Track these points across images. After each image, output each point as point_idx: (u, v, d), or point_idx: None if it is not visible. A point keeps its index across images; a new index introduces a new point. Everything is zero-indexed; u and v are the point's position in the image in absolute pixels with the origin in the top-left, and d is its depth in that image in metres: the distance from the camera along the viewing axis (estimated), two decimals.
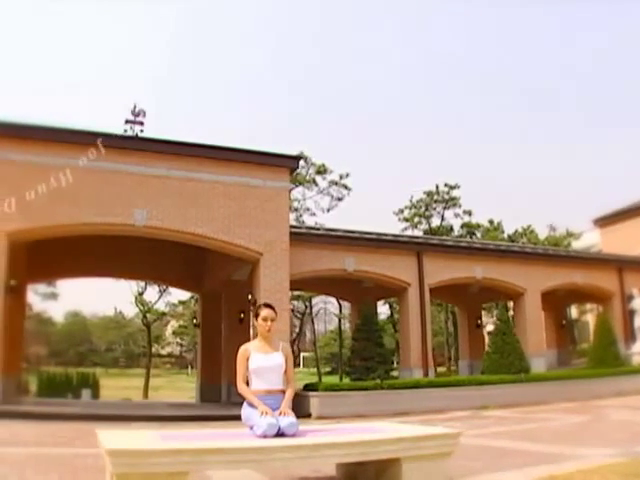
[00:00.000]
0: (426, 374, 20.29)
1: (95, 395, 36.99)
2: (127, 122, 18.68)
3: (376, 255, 21.30)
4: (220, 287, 23.87)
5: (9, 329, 19.82)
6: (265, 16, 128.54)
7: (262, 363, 5.94)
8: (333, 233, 22.54)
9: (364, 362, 18.82)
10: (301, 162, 34.12)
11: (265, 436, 5.47)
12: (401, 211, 41.07)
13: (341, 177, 35.23)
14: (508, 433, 11.22)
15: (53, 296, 52.50)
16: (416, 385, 17.98)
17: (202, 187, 17.42)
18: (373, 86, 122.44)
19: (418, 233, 40.04)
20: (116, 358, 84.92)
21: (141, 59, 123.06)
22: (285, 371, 6.10)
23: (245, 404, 5.94)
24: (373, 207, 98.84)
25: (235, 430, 6.20)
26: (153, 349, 76.89)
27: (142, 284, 45.59)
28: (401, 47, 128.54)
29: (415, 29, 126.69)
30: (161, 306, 51.18)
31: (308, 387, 17.85)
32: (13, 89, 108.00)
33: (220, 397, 22.27)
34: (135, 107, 18.99)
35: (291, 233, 19.02)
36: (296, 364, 70.02)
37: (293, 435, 5.55)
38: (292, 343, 56.85)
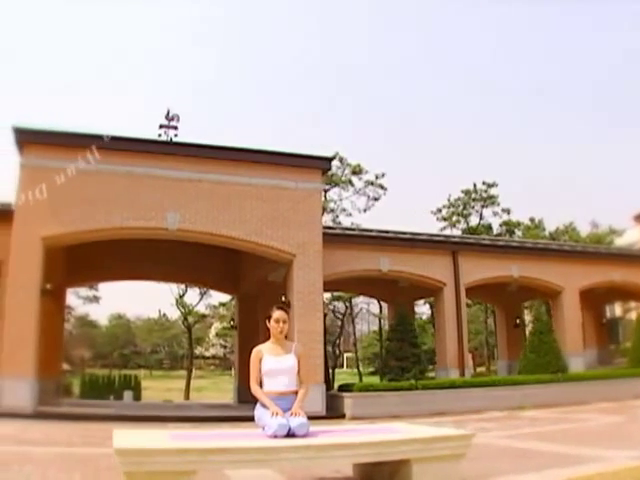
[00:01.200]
0: (462, 374, 20.11)
1: (137, 397, 37.51)
2: (161, 127, 18.91)
3: (411, 255, 21.18)
4: (256, 289, 23.97)
5: (48, 332, 20.23)
6: (298, 15, 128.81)
7: (274, 365, 5.98)
8: (368, 233, 22.53)
9: (399, 362, 18.75)
10: (336, 163, 34.16)
11: (275, 436, 5.50)
12: (439, 210, 40.91)
13: (377, 177, 35.09)
14: (538, 434, 11.08)
15: (95, 299, 53.10)
16: (451, 385, 17.87)
17: (234, 190, 17.54)
18: (406, 85, 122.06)
19: (457, 232, 39.77)
20: (160, 360, 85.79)
21: (171, 61, 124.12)
22: (298, 372, 6.11)
23: (258, 405, 5.99)
24: (410, 207, 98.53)
25: (248, 430, 6.23)
26: (197, 351, 77.69)
27: (183, 287, 46.03)
28: (437, 45, 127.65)
29: (451, 26, 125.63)
30: (202, 308, 51.61)
31: (342, 388, 17.85)
32: (45, 93, 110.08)
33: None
34: (169, 112, 19.21)
35: (325, 234, 19.04)
36: (339, 365, 70.25)
37: (304, 436, 5.56)
38: (333, 344, 56.92)
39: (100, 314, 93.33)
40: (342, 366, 72.98)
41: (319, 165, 18.80)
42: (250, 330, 24.60)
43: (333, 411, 16.87)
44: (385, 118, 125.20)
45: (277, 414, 5.66)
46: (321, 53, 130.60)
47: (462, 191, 40.21)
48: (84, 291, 51.23)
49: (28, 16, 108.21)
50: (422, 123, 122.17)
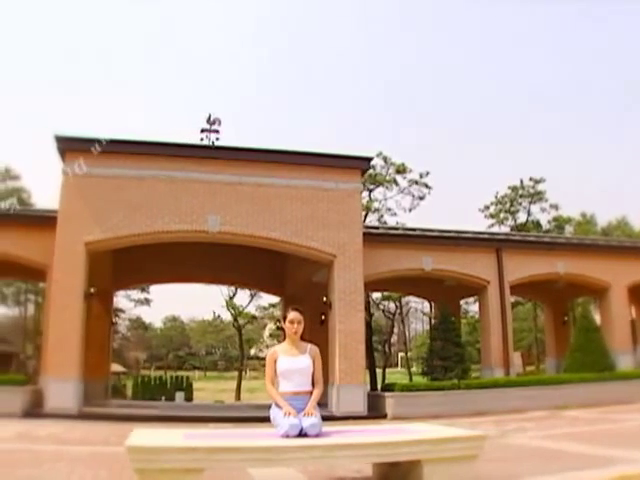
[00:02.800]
0: (507, 373, 19.83)
1: (188, 397, 37.99)
2: (203, 131, 19.14)
3: (454, 253, 20.98)
4: (302, 290, 24.04)
5: (96, 335, 20.71)
6: (356, 17, 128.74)
7: (289, 365, 6.04)
8: (410, 232, 22.45)
9: (442, 362, 18.63)
10: (380, 162, 34.10)
11: (287, 436, 5.57)
12: (487, 207, 40.49)
13: (421, 176, 34.80)
14: (575, 434, 10.89)
15: (146, 302, 53.96)
16: (494, 385, 17.69)
17: (274, 192, 17.67)
18: (453, 83, 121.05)
19: (505, 229, 39.34)
20: (215, 361, 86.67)
21: (214, 64, 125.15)
22: (313, 373, 6.17)
23: (273, 405, 6.06)
24: (458, 206, 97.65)
25: (264, 430, 6.31)
26: (252, 351, 78.24)
27: (233, 288, 46.47)
28: (480, 42, 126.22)
29: (500, 24, 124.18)
30: (252, 309, 51.99)
31: (384, 388, 17.83)
32: (90, 94, 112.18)
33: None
34: (210, 116, 19.43)
35: (367, 234, 19.05)
36: (393, 364, 70.01)
37: (316, 436, 5.61)
38: (384, 343, 56.75)
39: (155, 317, 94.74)
40: (397, 365, 72.82)
41: (358, 165, 18.79)
42: None
43: (375, 411, 16.86)
44: (430, 117, 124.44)
45: (289, 414, 5.72)
46: (364, 52, 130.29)
47: (509, 187, 39.78)
48: (135, 294, 52.08)
49: (94, 16, 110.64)
50: (467, 121, 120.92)
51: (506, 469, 6.91)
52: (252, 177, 17.62)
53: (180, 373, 56.45)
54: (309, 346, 6.29)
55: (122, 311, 56.46)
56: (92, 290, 16.99)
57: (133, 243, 17.51)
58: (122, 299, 52.94)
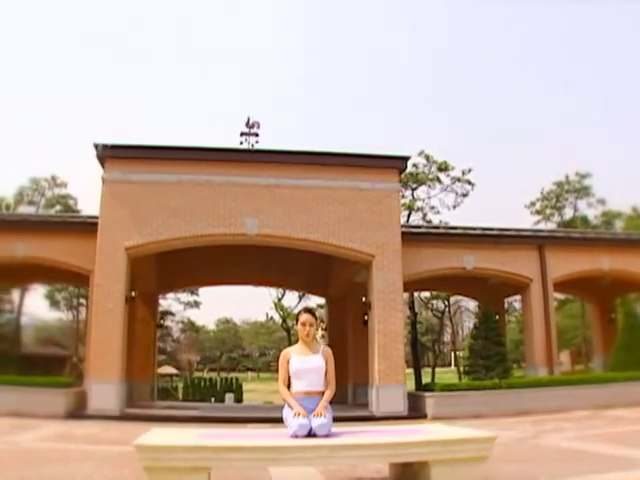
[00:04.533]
0: (551, 372, 19.54)
1: (238, 399, 38.33)
2: (242, 134, 19.39)
3: (496, 251, 20.75)
4: (344, 290, 24.10)
5: (141, 337, 21.11)
6: (393, 19, 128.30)
7: (301, 366, 6.10)
8: (451, 231, 22.29)
9: (483, 361, 18.48)
10: (422, 161, 33.95)
11: (296, 436, 5.64)
12: (532, 204, 39.96)
13: (463, 173, 34.51)
14: (611, 435, 10.66)
15: (195, 304, 54.58)
16: (536, 384, 17.44)
17: (311, 193, 17.78)
18: (497, 81, 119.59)
19: (552, 226, 38.78)
20: (268, 363, 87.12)
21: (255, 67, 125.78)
22: (326, 373, 6.22)
23: (286, 405, 6.13)
24: (502, 204, 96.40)
25: (278, 431, 6.39)
26: None
27: (282, 290, 46.80)
28: (522, 38, 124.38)
29: (549, 20, 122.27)
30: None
31: (424, 387, 17.76)
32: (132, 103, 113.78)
33: (347, 398, 22.53)
34: (249, 119, 19.65)
35: (406, 233, 19.00)
36: (447, 363, 69.49)
37: (325, 436, 5.67)
38: (433, 343, 56.40)
39: (208, 319, 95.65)
40: (450, 365, 72.28)
41: (395, 165, 18.72)
42: (340, 331, 24.77)
43: (416, 411, 16.80)
44: (472, 114, 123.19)
45: (299, 414, 5.78)
46: (400, 50, 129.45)
47: (554, 183, 39.17)
48: (185, 296, 52.77)
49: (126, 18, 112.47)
50: (509, 117, 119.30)
51: (524, 470, 6.85)
52: (289, 179, 17.76)
53: (233, 375, 56.97)
54: (322, 347, 6.36)
55: (172, 314, 57.29)
56: (133, 294, 17.34)
57: (172, 247, 17.81)
58: (172, 302, 53.81)
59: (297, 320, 6.39)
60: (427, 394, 17.02)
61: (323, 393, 6.14)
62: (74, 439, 11.18)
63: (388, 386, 16.83)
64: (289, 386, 6.21)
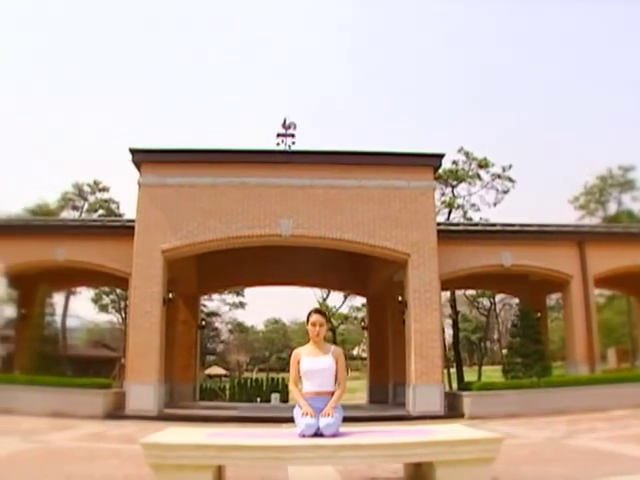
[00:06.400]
0: (592, 370, 19.18)
1: (284, 399, 38.44)
2: (279, 135, 19.45)
3: (534, 248, 20.39)
4: (383, 289, 24.05)
5: (182, 339, 21.39)
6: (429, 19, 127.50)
7: (311, 366, 6.14)
8: (488, 228, 22.07)
9: (521, 359, 18.25)
10: (462, 158, 33.69)
11: (304, 436, 5.70)
12: (576, 199, 39.33)
13: (503, 169, 34.13)
14: None
15: (241, 305, 54.94)
16: (576, 382, 17.11)
17: (345, 193, 17.80)
18: (538, 77, 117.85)
19: (596, 221, 38.12)
20: None
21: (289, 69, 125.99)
22: (336, 373, 6.25)
23: (296, 405, 6.19)
24: (543, 200, 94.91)
25: (287, 430, 6.45)
26: (354, 352, 78.47)
27: (326, 290, 46.86)
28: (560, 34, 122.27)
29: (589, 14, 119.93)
30: (345, 310, 52.27)
31: (462, 387, 17.63)
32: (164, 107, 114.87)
33: (387, 398, 22.51)
34: (285, 121, 19.72)
35: (442, 231, 18.88)
36: (496, 362, 68.64)
37: (332, 436, 5.70)
38: (479, 341, 55.83)
39: (257, 319, 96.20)
40: (499, 363, 71.42)
41: (430, 162, 18.63)
42: (380, 330, 24.76)
43: (454, 411, 16.72)
44: (516, 112, 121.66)
45: (307, 414, 5.83)
46: (440, 50, 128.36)
47: (597, 177, 38.51)
48: (230, 297, 53.17)
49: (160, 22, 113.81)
50: (547, 114, 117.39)
51: (542, 472, 6.76)
52: (323, 179, 17.83)
53: (281, 375, 57.19)
54: (332, 347, 6.39)
55: (218, 315, 57.80)
56: (171, 295, 17.59)
57: (208, 249, 18.02)
58: (219, 303, 54.32)
59: (307, 320, 6.44)
60: (464, 393, 16.91)
61: (333, 393, 6.17)
62: (106, 439, 11.42)
63: (425, 385, 16.74)
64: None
